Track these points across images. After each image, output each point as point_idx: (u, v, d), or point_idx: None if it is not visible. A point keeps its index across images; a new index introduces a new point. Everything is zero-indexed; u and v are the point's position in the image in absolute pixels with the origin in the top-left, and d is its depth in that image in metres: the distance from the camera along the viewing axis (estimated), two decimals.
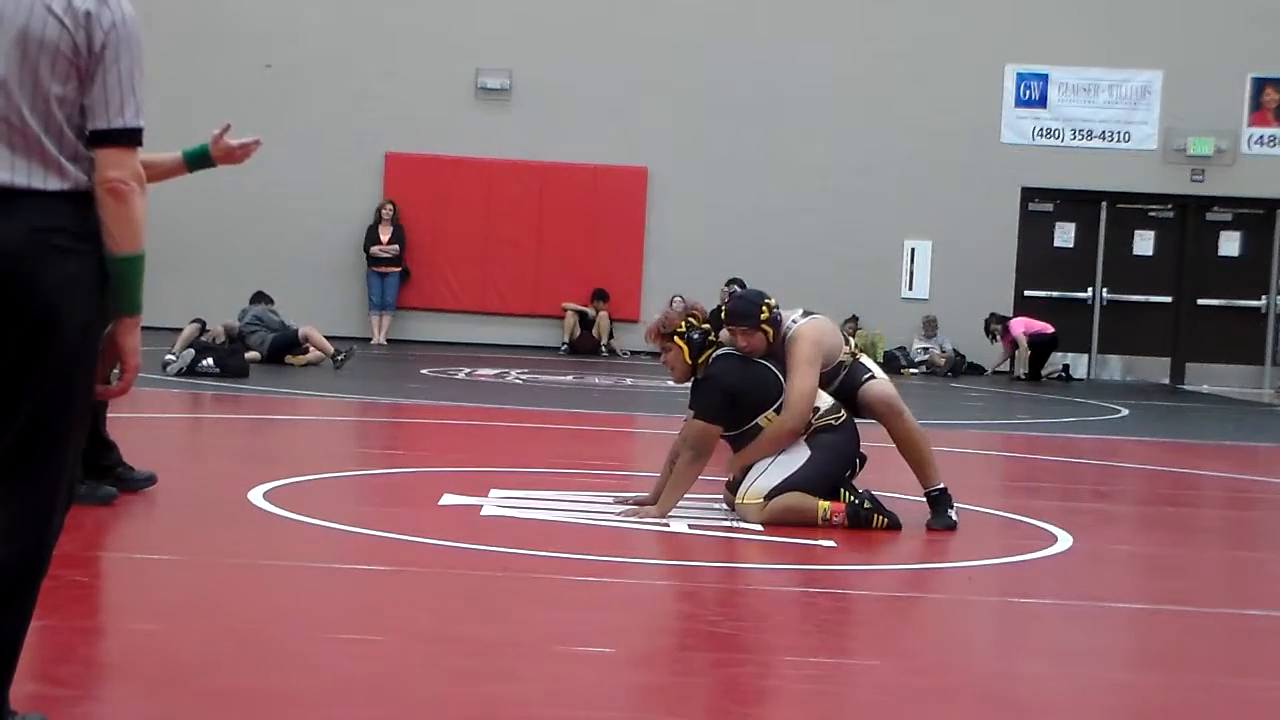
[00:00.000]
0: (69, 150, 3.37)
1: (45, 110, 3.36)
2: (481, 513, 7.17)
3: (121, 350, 3.41)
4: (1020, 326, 20.60)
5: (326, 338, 16.95)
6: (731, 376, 7.20)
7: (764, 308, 7.27)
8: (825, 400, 7.29)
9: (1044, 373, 20.50)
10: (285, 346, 16.61)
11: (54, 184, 3.36)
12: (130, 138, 3.40)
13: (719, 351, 7.31)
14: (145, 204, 3.42)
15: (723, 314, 7.45)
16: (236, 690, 4.16)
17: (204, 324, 15.65)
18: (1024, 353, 20.41)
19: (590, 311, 21.32)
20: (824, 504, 7.13)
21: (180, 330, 15.66)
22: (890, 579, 6.51)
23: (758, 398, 7.20)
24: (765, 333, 7.25)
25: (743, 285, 15.53)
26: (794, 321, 7.37)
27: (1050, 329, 20.64)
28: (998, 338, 20.84)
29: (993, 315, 20.97)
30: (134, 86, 3.41)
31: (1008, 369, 20.72)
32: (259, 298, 17.46)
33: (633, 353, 21.57)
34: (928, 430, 7.90)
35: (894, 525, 7.16)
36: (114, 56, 3.37)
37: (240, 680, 4.27)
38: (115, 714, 3.95)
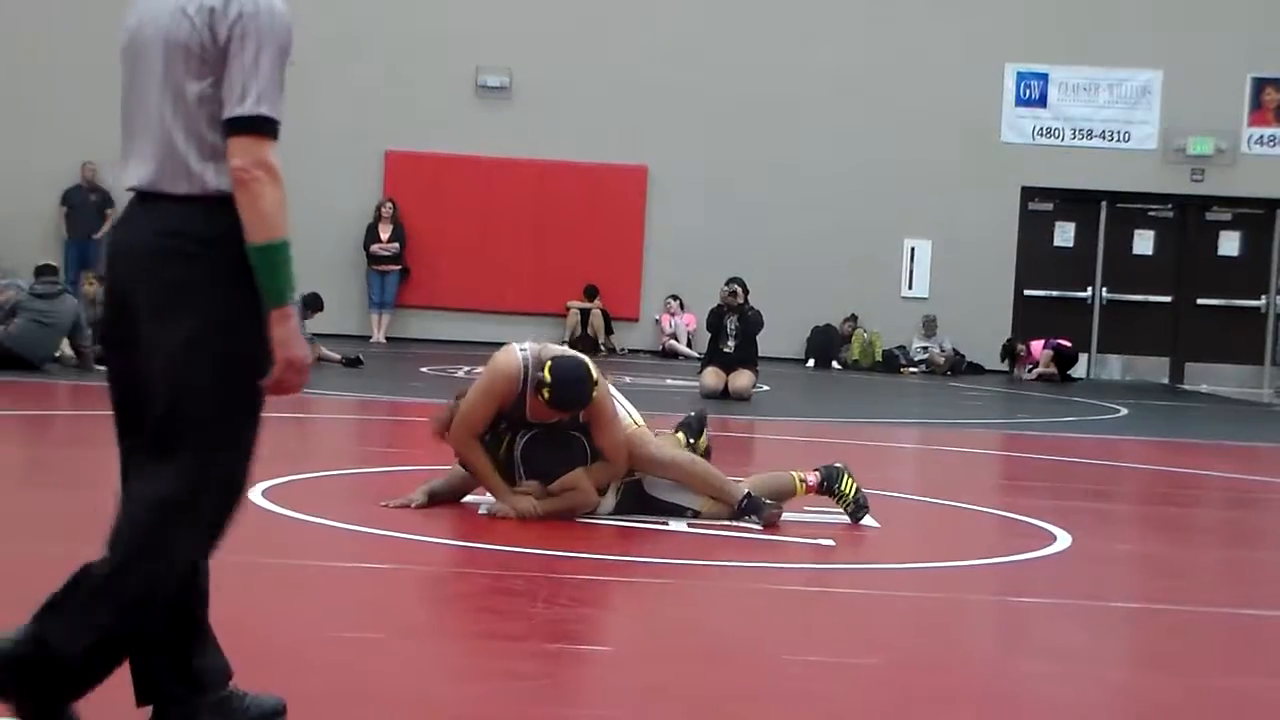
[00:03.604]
0: (207, 151, 3.38)
1: (185, 111, 3.38)
2: (480, 511, 7.17)
3: (273, 343, 3.38)
4: (1039, 344, 20.63)
5: (326, 337, 16.96)
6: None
7: (595, 383, 6.89)
8: None
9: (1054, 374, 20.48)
10: None
11: (181, 188, 3.38)
12: (252, 125, 3.34)
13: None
14: (278, 193, 3.35)
15: (558, 402, 6.86)
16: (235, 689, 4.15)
17: None
18: (1046, 360, 20.42)
19: (593, 309, 21.34)
20: (797, 473, 7.26)
21: None
22: (889, 578, 6.51)
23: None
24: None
25: (742, 284, 15.51)
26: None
27: (1068, 343, 20.67)
28: (1017, 360, 20.80)
29: (1010, 341, 20.97)
30: (259, 75, 3.34)
31: (1026, 374, 20.68)
32: (309, 300, 17.23)
33: (631, 350, 21.58)
34: (927, 430, 7.89)
35: (861, 501, 7.27)
36: (239, 47, 3.34)
37: (239, 678, 4.27)
38: (115, 714, 3.94)
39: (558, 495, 6.99)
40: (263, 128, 3.35)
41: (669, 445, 7.32)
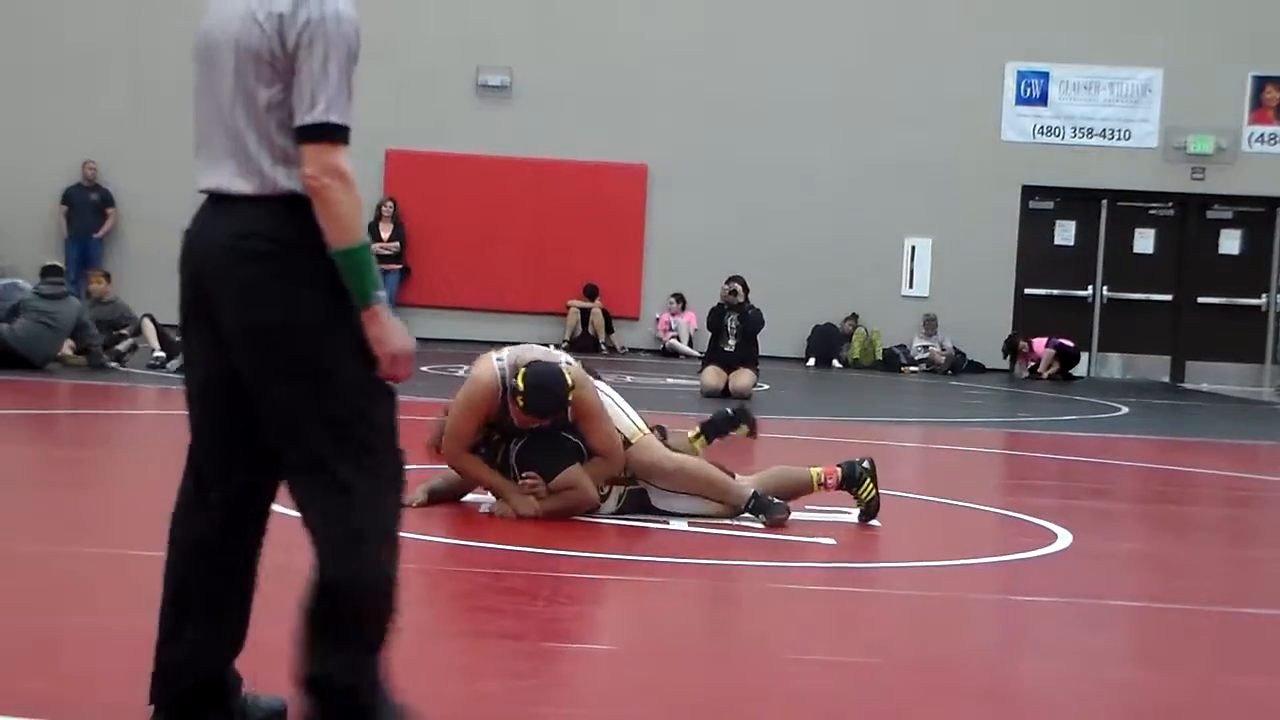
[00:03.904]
0: (279, 155, 3.40)
1: (256, 116, 3.41)
2: (481, 510, 7.17)
3: (369, 341, 3.41)
4: (1042, 341, 20.64)
5: None
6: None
7: (570, 388, 6.87)
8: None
9: (1056, 373, 20.48)
10: None
11: (253, 189, 3.41)
12: (322, 133, 3.36)
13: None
14: (352, 198, 3.37)
15: (533, 409, 6.85)
16: None
17: None
18: (1047, 357, 20.42)
19: (593, 308, 21.34)
20: (815, 469, 7.26)
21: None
22: (890, 577, 6.51)
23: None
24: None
25: (743, 283, 15.51)
26: (568, 364, 7.05)
27: (1070, 343, 20.67)
28: (1019, 355, 20.82)
29: (1012, 336, 20.99)
30: (328, 82, 3.36)
31: (1027, 374, 20.65)
32: None
33: (631, 349, 21.58)
34: (927, 429, 7.89)
35: (875, 505, 7.26)
36: (308, 54, 3.35)
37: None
38: (115, 712, 3.94)
39: (557, 494, 6.99)
40: (333, 134, 3.37)
41: (672, 449, 7.29)
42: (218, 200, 3.47)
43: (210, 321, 3.48)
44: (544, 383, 6.85)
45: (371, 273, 3.40)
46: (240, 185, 3.42)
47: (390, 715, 3.61)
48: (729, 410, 8.07)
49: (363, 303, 3.39)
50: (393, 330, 3.43)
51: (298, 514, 3.60)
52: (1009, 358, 21.02)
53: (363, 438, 3.47)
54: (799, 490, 7.33)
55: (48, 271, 14.61)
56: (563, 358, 7.08)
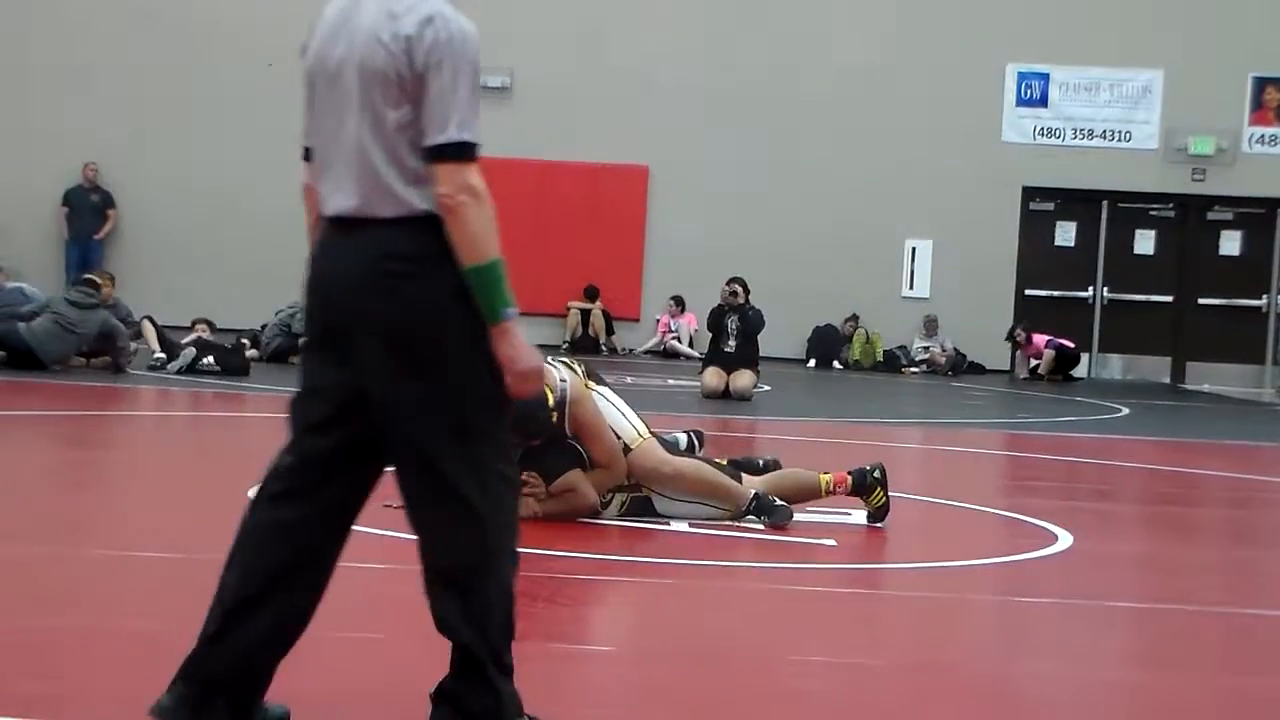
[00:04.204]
0: (409, 176, 3.41)
1: (385, 137, 3.41)
2: None
3: (498, 358, 3.44)
4: (1042, 340, 20.64)
5: None
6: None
7: (551, 411, 6.86)
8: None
9: (1055, 375, 20.46)
10: (292, 351, 16.69)
11: (389, 211, 3.42)
12: (455, 151, 3.39)
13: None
14: (485, 214, 3.41)
15: (534, 434, 6.86)
16: None
17: (211, 324, 15.69)
18: (1047, 358, 20.42)
19: (593, 309, 21.33)
20: (825, 475, 7.25)
21: (184, 330, 15.68)
22: (891, 578, 6.50)
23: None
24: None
25: (743, 284, 15.51)
26: (563, 381, 6.99)
27: (1070, 344, 20.66)
28: (1020, 346, 20.84)
29: (1017, 325, 21.00)
30: (458, 101, 3.39)
31: (1027, 374, 20.63)
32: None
33: (631, 350, 21.57)
34: (927, 431, 7.88)
35: (884, 510, 7.23)
36: (437, 74, 3.38)
37: None
38: (115, 712, 3.94)
39: (557, 497, 6.99)
40: (466, 153, 3.40)
41: (672, 455, 7.27)
42: (347, 224, 3.46)
43: (339, 349, 3.48)
44: (523, 410, 6.85)
45: (504, 290, 3.45)
46: (372, 208, 3.42)
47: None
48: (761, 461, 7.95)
49: (494, 320, 3.43)
50: (523, 347, 3.47)
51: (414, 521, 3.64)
52: (1011, 346, 21.02)
53: (487, 455, 3.49)
54: (806, 495, 7.32)
55: (82, 282, 14.65)
56: (560, 371, 7.05)
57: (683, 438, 8.06)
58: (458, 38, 3.40)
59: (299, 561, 3.67)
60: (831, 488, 7.27)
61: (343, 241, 3.47)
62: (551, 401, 6.87)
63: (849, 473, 7.29)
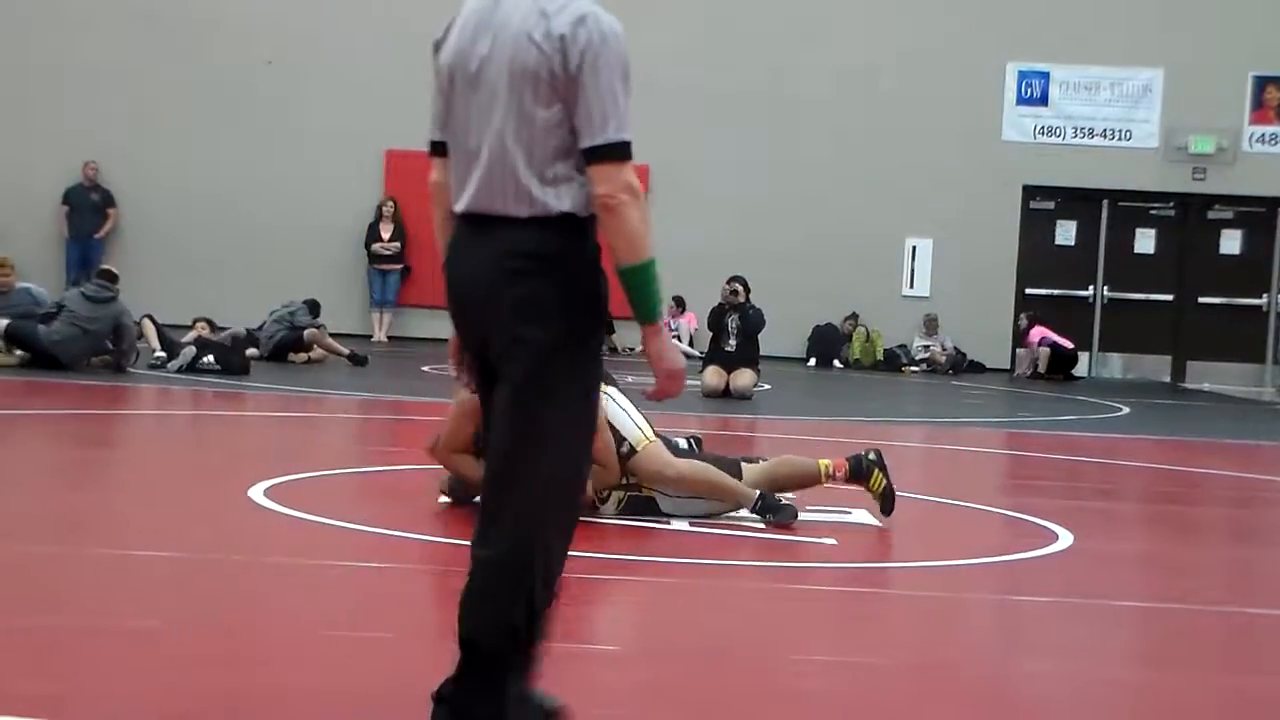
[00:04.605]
0: (548, 176, 3.43)
1: (529, 136, 3.42)
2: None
3: (647, 357, 3.49)
4: (1038, 335, 20.64)
5: (332, 336, 17.02)
6: None
7: None
8: None
9: (1055, 374, 20.46)
10: (293, 346, 16.71)
11: (522, 211, 3.43)
12: (614, 152, 3.40)
13: None
14: (642, 214, 3.41)
15: None
16: (236, 688, 4.15)
17: (211, 323, 15.69)
18: (1043, 356, 20.42)
19: None
20: (824, 462, 7.26)
21: (184, 328, 15.68)
22: (890, 577, 6.50)
23: None
24: None
25: (744, 283, 15.51)
26: None
27: (1069, 344, 20.65)
28: (1022, 334, 20.90)
29: (1023, 313, 21.05)
30: (615, 101, 3.41)
31: (1028, 373, 20.63)
32: (310, 304, 17.38)
33: (632, 349, 21.57)
34: (927, 428, 7.88)
35: (889, 495, 7.21)
36: (592, 75, 3.39)
37: (240, 678, 4.27)
38: (115, 712, 3.94)
39: None
40: (624, 153, 3.42)
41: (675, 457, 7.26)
42: (479, 221, 3.48)
43: (480, 342, 3.52)
44: None
45: (658, 288, 3.45)
46: (508, 207, 3.44)
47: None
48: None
49: (649, 318, 3.45)
50: (671, 347, 3.51)
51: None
52: (1014, 336, 21.04)
53: (565, 467, 3.50)
54: (807, 481, 7.34)
55: (100, 275, 14.66)
56: None
57: (682, 441, 8.06)
58: (610, 37, 3.41)
59: None
60: (831, 472, 7.29)
61: (474, 239, 3.50)
62: None
63: (846, 459, 7.31)
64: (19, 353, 13.94)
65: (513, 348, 3.43)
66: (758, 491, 7.13)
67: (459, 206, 3.52)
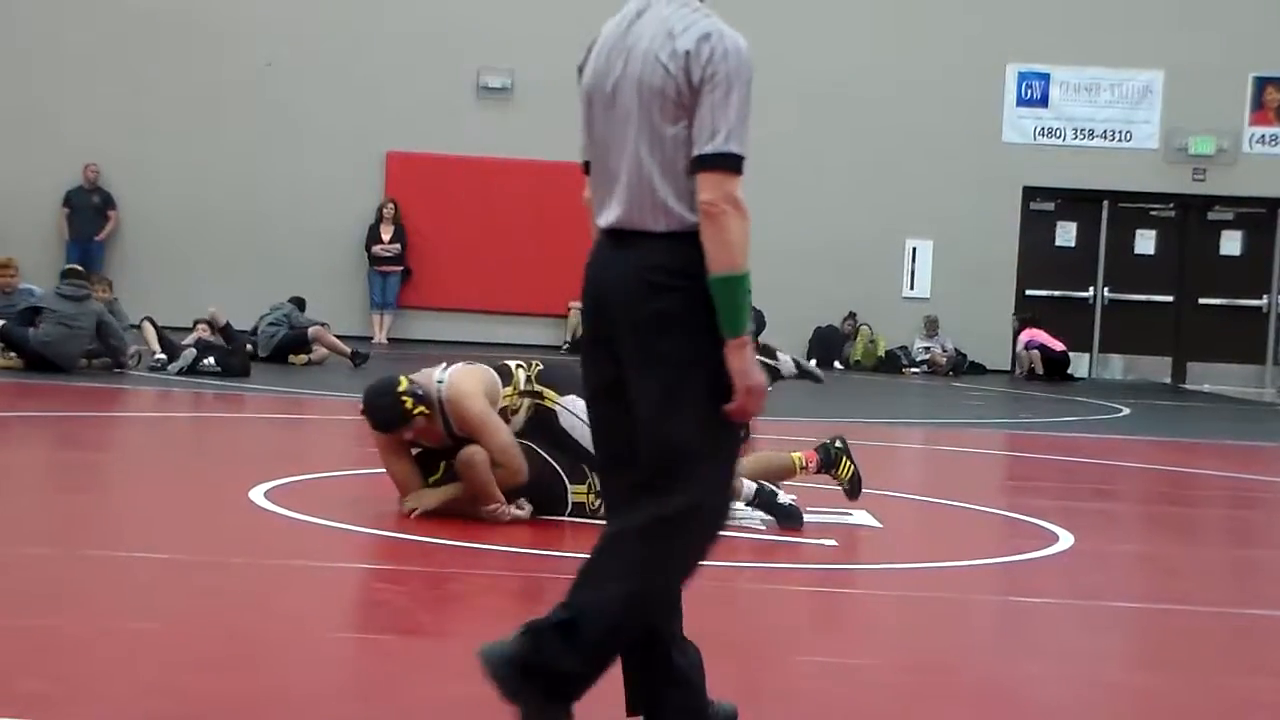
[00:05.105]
0: (683, 191, 3.48)
1: (661, 153, 3.50)
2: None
3: (730, 372, 3.47)
4: (1026, 338, 20.63)
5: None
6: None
7: (402, 400, 6.77)
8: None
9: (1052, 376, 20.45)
10: (294, 345, 16.71)
11: (660, 225, 3.50)
12: (722, 162, 3.45)
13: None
14: (743, 226, 3.46)
15: (376, 425, 6.88)
16: (236, 689, 4.15)
17: (212, 324, 15.70)
18: (1034, 359, 20.41)
19: None
20: (796, 454, 7.27)
21: (185, 330, 15.67)
22: (890, 578, 6.50)
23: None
24: (426, 416, 6.81)
25: None
26: (439, 382, 6.91)
27: (1060, 346, 20.62)
28: (1014, 336, 20.91)
29: (1013, 315, 21.04)
30: (730, 114, 3.46)
31: (1023, 374, 20.62)
32: (297, 303, 17.48)
33: None
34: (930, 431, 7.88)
35: (856, 481, 7.26)
36: (710, 88, 3.46)
37: (240, 679, 4.27)
38: (112, 714, 3.94)
39: (455, 484, 6.90)
40: (732, 164, 3.45)
41: None
42: (622, 236, 3.57)
43: (608, 347, 3.60)
44: (369, 396, 6.89)
45: (748, 303, 3.48)
46: (646, 222, 3.52)
47: None
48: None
49: (735, 332, 3.46)
50: (754, 363, 3.52)
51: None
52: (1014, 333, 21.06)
53: (708, 463, 3.52)
54: (783, 474, 7.36)
55: (68, 274, 14.66)
56: (441, 372, 6.92)
57: None
58: (733, 52, 3.49)
59: None
60: (804, 463, 7.31)
61: (614, 253, 3.61)
62: (403, 388, 6.77)
63: (815, 450, 7.33)
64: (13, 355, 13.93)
65: (651, 362, 3.49)
66: (754, 486, 7.08)
67: (602, 221, 3.64)
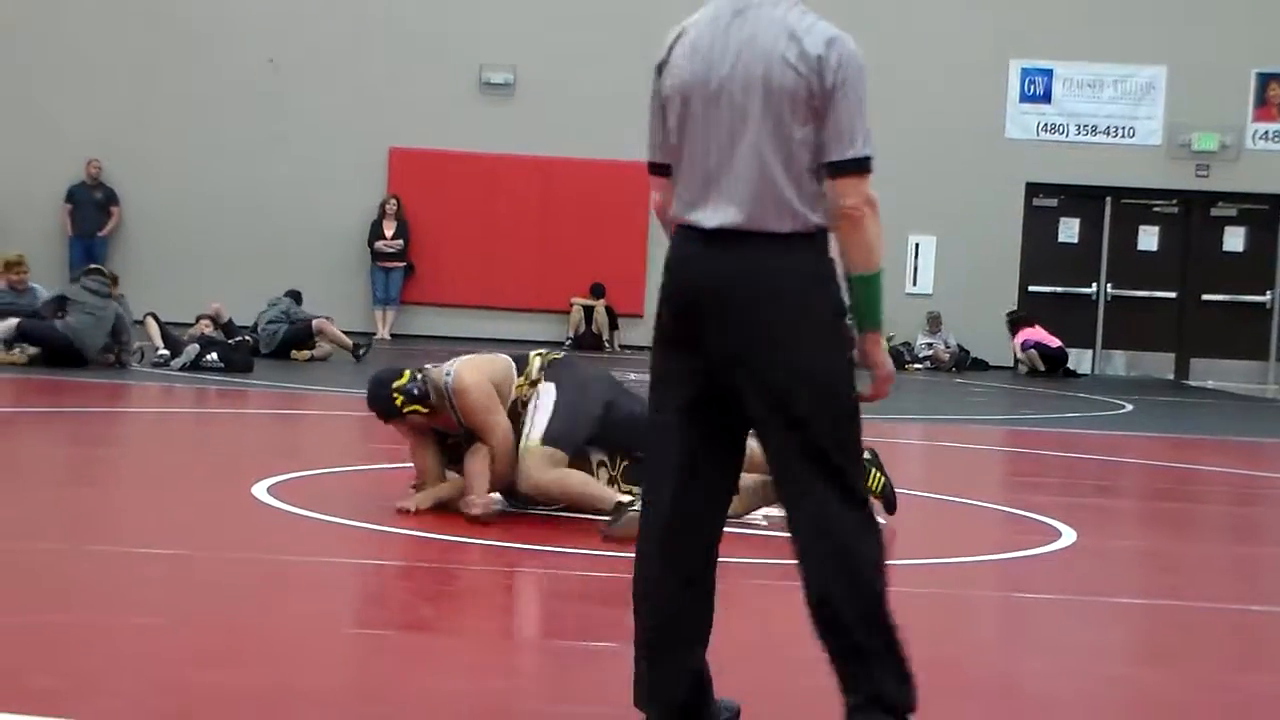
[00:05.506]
0: (805, 192, 3.56)
1: (789, 153, 3.55)
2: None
3: (868, 363, 3.66)
4: (1022, 338, 20.61)
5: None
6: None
7: (393, 395, 6.87)
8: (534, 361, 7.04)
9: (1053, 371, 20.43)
10: (297, 340, 16.72)
11: (785, 226, 3.55)
12: (862, 166, 3.59)
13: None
14: (879, 227, 3.65)
15: (375, 414, 7.04)
16: (238, 685, 4.16)
17: (215, 320, 15.72)
18: (1032, 359, 20.39)
19: (597, 306, 21.33)
20: None
21: (187, 325, 15.69)
22: (893, 574, 6.50)
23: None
24: (422, 414, 6.90)
25: None
26: (447, 374, 6.91)
27: (1056, 342, 20.59)
28: (1011, 335, 20.89)
29: (1006, 315, 20.99)
30: (861, 119, 3.58)
31: (1023, 371, 20.61)
32: (294, 297, 17.51)
33: (634, 347, 21.56)
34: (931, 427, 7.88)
35: (889, 492, 7.04)
36: (843, 93, 3.55)
37: (242, 675, 4.28)
38: (118, 709, 3.95)
39: (450, 482, 6.99)
40: (868, 167, 3.61)
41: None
42: (739, 237, 3.56)
43: (700, 353, 3.58)
44: (369, 387, 7.02)
45: (883, 299, 3.68)
46: (769, 223, 3.55)
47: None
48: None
49: (873, 326, 3.69)
50: (885, 353, 3.74)
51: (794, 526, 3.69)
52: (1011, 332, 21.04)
53: (849, 461, 3.61)
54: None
55: (90, 272, 14.75)
56: (456, 362, 6.94)
57: None
58: (855, 58, 3.58)
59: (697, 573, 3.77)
60: None
61: (726, 254, 3.57)
62: (400, 383, 6.85)
63: None
64: (30, 350, 13.95)
65: (792, 362, 3.54)
66: (615, 500, 6.74)
67: (709, 222, 3.58)
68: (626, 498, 6.62)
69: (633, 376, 8.89)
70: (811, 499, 3.61)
